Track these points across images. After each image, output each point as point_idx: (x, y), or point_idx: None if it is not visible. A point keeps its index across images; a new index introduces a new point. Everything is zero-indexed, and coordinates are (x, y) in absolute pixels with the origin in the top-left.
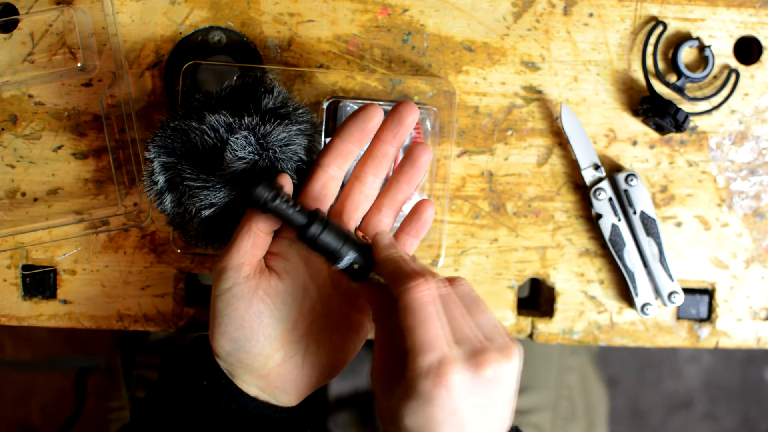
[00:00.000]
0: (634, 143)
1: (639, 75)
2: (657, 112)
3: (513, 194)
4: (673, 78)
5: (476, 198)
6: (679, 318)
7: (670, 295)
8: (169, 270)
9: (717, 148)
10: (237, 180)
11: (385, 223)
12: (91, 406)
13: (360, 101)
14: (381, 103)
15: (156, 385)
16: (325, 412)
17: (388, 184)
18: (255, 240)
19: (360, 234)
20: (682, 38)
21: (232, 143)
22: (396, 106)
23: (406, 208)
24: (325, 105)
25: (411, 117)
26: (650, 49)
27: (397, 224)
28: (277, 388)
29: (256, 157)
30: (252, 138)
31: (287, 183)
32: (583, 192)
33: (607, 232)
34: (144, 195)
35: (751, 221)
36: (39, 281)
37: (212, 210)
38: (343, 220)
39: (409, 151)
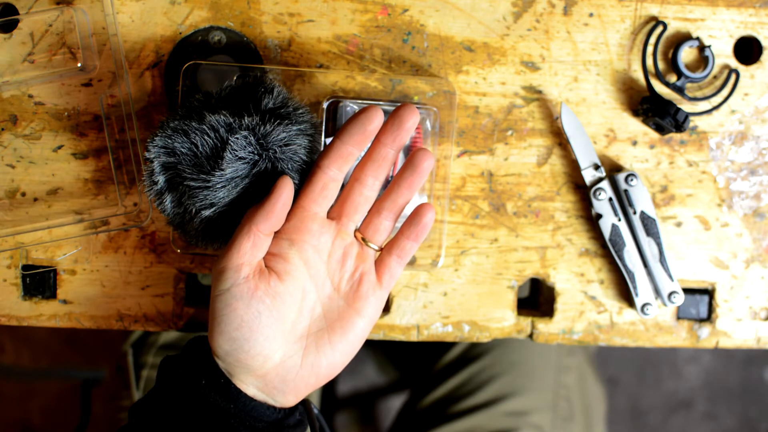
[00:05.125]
0: (634, 143)
1: (639, 75)
2: (657, 112)
3: (513, 194)
4: (673, 78)
5: (476, 198)
6: (679, 318)
7: (670, 295)
8: (169, 270)
9: (717, 148)
10: (237, 180)
11: (385, 227)
12: (101, 405)
13: (360, 101)
14: (381, 103)
15: (154, 386)
16: (333, 409)
17: (389, 188)
18: (255, 240)
19: (359, 236)
20: (682, 38)
21: (232, 143)
22: (396, 110)
23: (407, 209)
24: (325, 105)
25: (411, 120)
26: (650, 49)
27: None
28: (275, 388)
29: (256, 157)
30: (252, 138)
31: (288, 186)
32: (583, 192)
33: (607, 232)
34: (144, 195)
35: (751, 221)
36: (39, 281)
37: (212, 210)
38: (343, 221)
39: (411, 157)
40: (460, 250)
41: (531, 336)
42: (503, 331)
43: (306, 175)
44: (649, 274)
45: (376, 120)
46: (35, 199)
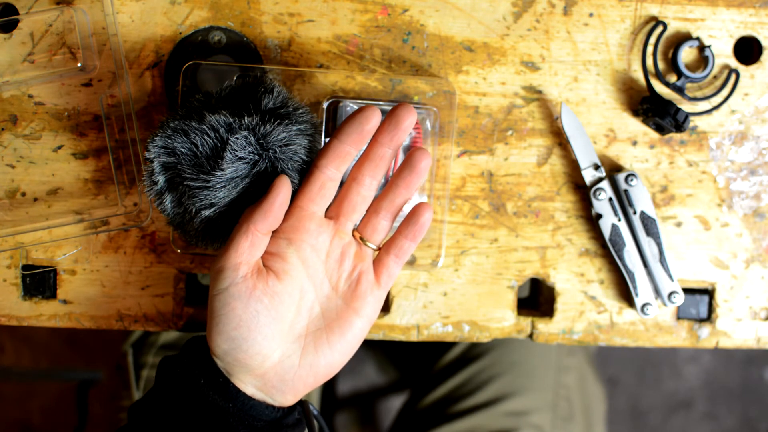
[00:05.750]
0: (634, 143)
1: (639, 75)
2: (657, 112)
3: (513, 194)
4: (673, 78)
5: (476, 198)
6: (679, 318)
7: (670, 295)
8: (169, 270)
9: (717, 148)
10: (237, 180)
11: (383, 226)
12: (101, 405)
13: (360, 101)
14: (381, 103)
15: (153, 386)
16: (333, 409)
17: (387, 187)
18: (253, 240)
19: (357, 236)
20: (682, 38)
21: (232, 143)
22: (393, 109)
23: (406, 208)
24: (325, 105)
25: (408, 120)
26: (650, 49)
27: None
28: (273, 387)
29: (256, 157)
30: (252, 138)
31: (286, 185)
32: (583, 192)
33: (607, 232)
34: (144, 195)
35: (751, 221)
36: (39, 281)
37: (212, 210)
38: (341, 221)
39: (409, 157)
40: (460, 250)
41: (531, 336)
42: (503, 331)
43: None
44: (649, 274)
45: (373, 120)
46: (35, 199)
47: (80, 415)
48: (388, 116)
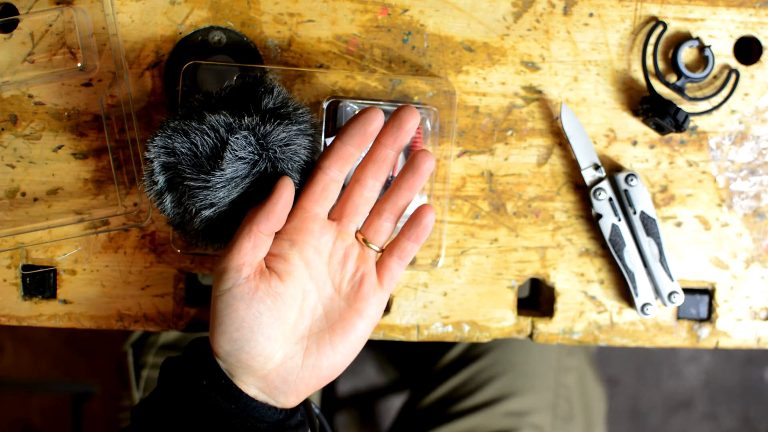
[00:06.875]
0: (634, 143)
1: (639, 75)
2: (657, 112)
3: (513, 194)
4: (673, 78)
5: (476, 198)
6: (679, 318)
7: (670, 295)
8: (169, 270)
9: (717, 148)
10: (237, 180)
11: (386, 228)
12: (101, 405)
13: (360, 101)
14: (381, 103)
15: (156, 387)
16: (333, 409)
17: (390, 189)
18: (255, 241)
19: (360, 237)
20: (682, 38)
21: (232, 143)
22: (397, 111)
23: (408, 210)
24: (325, 105)
25: (412, 122)
26: (650, 49)
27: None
28: (276, 388)
29: (256, 157)
30: (252, 138)
31: (289, 187)
32: (583, 192)
33: (607, 232)
34: (144, 195)
35: (751, 221)
36: (39, 281)
37: (212, 210)
38: (343, 222)
39: (412, 158)
40: (460, 250)
41: (531, 336)
42: (503, 331)
43: (306, 175)
44: (649, 274)
45: (376, 121)
46: (35, 199)
47: (74, 429)
48: (391, 118)
